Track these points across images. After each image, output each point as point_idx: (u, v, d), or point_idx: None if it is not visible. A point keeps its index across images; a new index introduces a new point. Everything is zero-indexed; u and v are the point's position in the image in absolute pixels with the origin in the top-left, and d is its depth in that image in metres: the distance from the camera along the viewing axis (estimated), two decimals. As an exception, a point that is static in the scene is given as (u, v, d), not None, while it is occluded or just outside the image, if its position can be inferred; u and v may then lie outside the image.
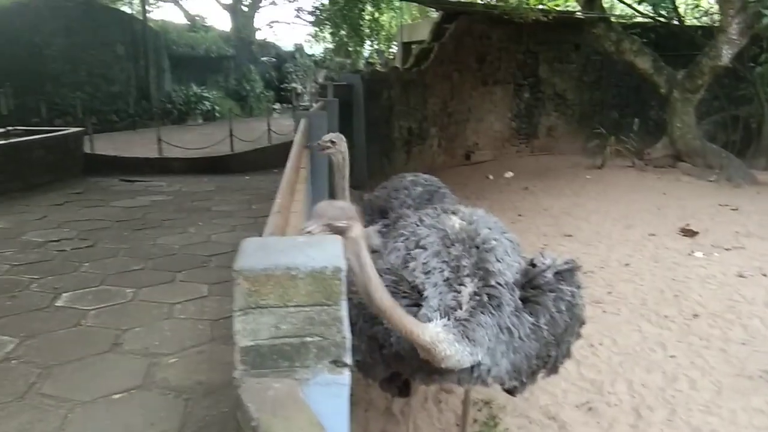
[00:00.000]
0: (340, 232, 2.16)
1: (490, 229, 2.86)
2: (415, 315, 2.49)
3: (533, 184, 11.49)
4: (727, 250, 7.18)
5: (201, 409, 3.10)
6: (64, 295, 4.58)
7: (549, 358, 2.83)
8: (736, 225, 8.23)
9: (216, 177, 10.56)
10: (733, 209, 9.11)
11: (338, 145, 3.82)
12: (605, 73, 15.03)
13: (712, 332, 5.05)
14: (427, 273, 2.62)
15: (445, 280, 2.57)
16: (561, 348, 2.86)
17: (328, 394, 1.85)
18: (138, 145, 13.05)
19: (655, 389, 4.24)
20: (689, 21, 15.16)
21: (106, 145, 12.16)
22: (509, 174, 12.51)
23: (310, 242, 1.93)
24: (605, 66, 14.82)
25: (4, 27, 14.95)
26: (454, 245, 2.70)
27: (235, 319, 1.75)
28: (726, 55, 11.43)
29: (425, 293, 2.56)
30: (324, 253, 1.84)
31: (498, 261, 2.68)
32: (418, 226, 2.90)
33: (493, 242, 2.75)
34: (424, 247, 2.72)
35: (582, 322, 3.01)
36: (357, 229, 2.21)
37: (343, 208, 2.26)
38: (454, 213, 2.98)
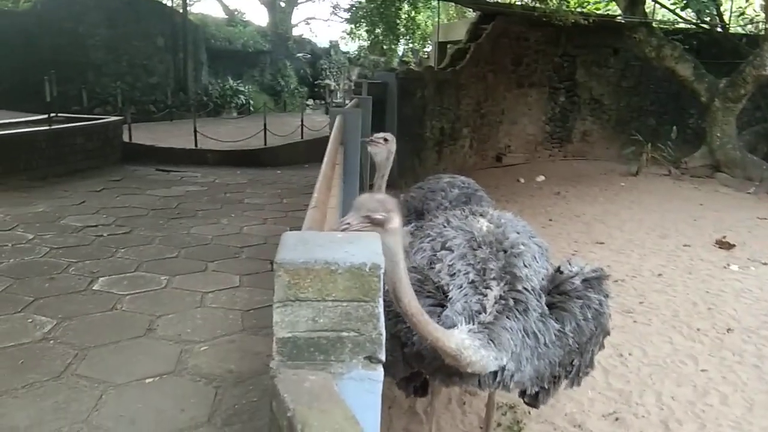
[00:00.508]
0: (379, 224, 2.14)
1: (518, 233, 2.84)
2: (439, 315, 2.49)
3: (565, 190, 11.35)
4: (764, 264, 6.99)
5: (231, 397, 3.15)
6: (101, 279, 4.70)
7: (572, 366, 2.79)
8: (774, 238, 8.02)
9: (249, 170, 10.70)
10: (772, 223, 8.88)
11: (389, 144, 3.85)
12: (644, 78, 14.76)
13: (745, 348, 4.93)
14: (452, 275, 2.61)
15: (470, 283, 2.56)
16: (584, 357, 2.82)
17: (362, 390, 1.87)
18: (174, 135, 13.29)
19: (684, 403, 4.16)
20: (733, 29, 14.80)
21: (143, 135, 12.43)
22: (541, 178, 12.39)
23: (349, 238, 1.95)
24: (644, 72, 14.55)
25: (50, 17, 15.38)
26: (481, 248, 2.68)
27: (274, 310, 1.78)
28: (771, 64, 11.13)
29: (450, 294, 2.55)
30: (363, 249, 1.85)
31: (525, 266, 2.66)
32: (445, 227, 2.89)
33: (522, 247, 2.73)
34: (450, 249, 2.71)
35: (607, 333, 2.96)
36: (395, 222, 2.16)
37: (383, 200, 2.21)
38: (482, 215, 2.96)
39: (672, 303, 5.89)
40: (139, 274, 4.89)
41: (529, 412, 4.07)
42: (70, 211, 6.88)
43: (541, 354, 2.56)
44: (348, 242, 1.91)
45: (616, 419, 4.00)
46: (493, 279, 2.57)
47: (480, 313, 2.49)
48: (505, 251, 2.68)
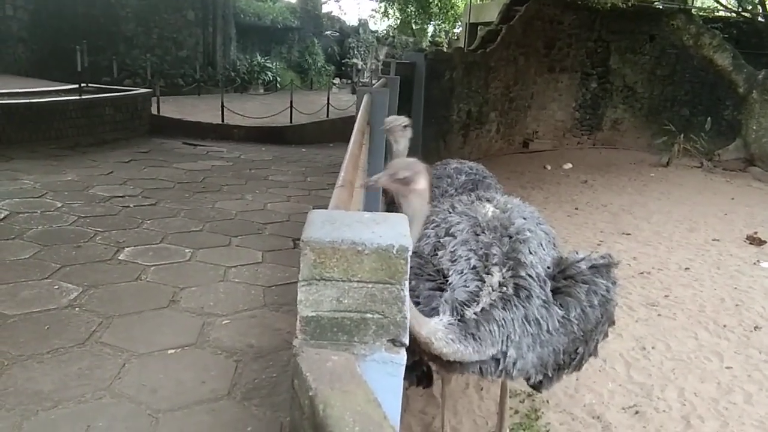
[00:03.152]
0: (406, 183, 2.15)
1: (525, 219, 2.76)
2: (439, 299, 2.44)
3: (593, 178, 11.17)
4: (797, 262, 6.82)
5: (251, 371, 3.17)
6: (127, 249, 4.76)
7: (576, 354, 2.73)
8: (808, 237, 7.79)
9: (274, 147, 10.71)
10: (806, 220, 8.63)
11: (407, 130, 3.73)
12: (679, 67, 14.37)
13: (774, 347, 4.83)
14: (454, 261, 2.54)
15: (472, 268, 2.49)
16: (588, 345, 2.76)
17: (384, 372, 1.85)
18: (202, 110, 13.36)
19: (707, 399, 4.09)
20: (776, 18, 14.29)
21: (171, 108, 12.50)
22: (568, 165, 12.20)
23: (376, 218, 1.91)
24: (680, 60, 14.17)
25: (83, -13, 15.48)
26: (485, 233, 2.61)
27: (300, 288, 1.76)
28: (814, 56, 10.75)
29: (450, 279, 2.49)
30: (391, 230, 1.82)
31: (531, 253, 2.58)
32: (449, 213, 2.82)
33: (528, 233, 2.65)
34: (453, 235, 2.64)
35: (612, 322, 2.88)
36: (421, 184, 2.17)
37: (412, 162, 2.23)
38: (488, 201, 2.90)
39: (698, 298, 5.78)
40: (164, 245, 4.93)
41: (548, 401, 4.05)
42: (98, 180, 6.97)
43: (543, 341, 2.50)
44: (375, 223, 1.88)
45: (636, 413, 3.95)
46: (495, 264, 2.50)
47: (468, 305, 2.41)
48: (510, 237, 2.61)
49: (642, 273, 6.38)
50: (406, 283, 1.81)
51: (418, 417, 4.03)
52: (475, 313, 2.40)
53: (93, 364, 3.10)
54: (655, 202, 9.51)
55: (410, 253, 1.79)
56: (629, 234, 7.79)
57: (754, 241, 7.46)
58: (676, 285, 6.09)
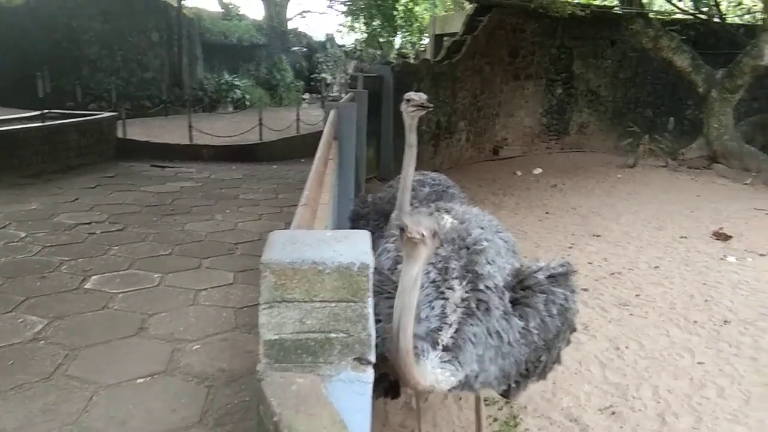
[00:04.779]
0: (420, 241, 2.06)
1: (482, 228, 2.77)
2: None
3: (562, 182, 11.32)
4: (761, 255, 6.97)
5: (223, 396, 3.12)
6: (93, 277, 4.66)
7: (539, 363, 2.74)
8: (772, 230, 8.00)
9: (244, 165, 10.64)
10: (768, 214, 8.86)
11: (420, 111, 3.55)
12: (641, 70, 14.71)
13: (742, 340, 4.91)
14: None
15: (431, 282, 2.48)
16: (551, 353, 2.77)
17: (351, 392, 1.84)
18: (169, 131, 13.22)
19: (681, 396, 4.14)
20: (730, 19, 14.73)
21: (138, 131, 12.35)
22: (538, 171, 12.35)
23: (338, 237, 1.91)
24: (641, 63, 14.50)
25: (44, 12, 15.26)
26: (443, 246, 2.59)
27: (261, 312, 1.75)
28: (768, 54, 11.09)
29: None
30: (352, 249, 1.82)
31: (488, 263, 2.58)
32: None
33: (485, 243, 2.66)
34: None
35: (574, 328, 2.90)
36: (428, 249, 2.09)
37: (432, 225, 2.13)
38: (447, 212, 2.90)
39: (668, 295, 5.87)
40: (132, 271, 4.85)
41: (525, 407, 4.05)
42: (63, 208, 6.83)
43: (505, 353, 2.50)
44: (336, 241, 1.88)
45: (613, 413, 3.98)
46: (455, 278, 2.49)
47: (441, 330, 2.38)
48: (468, 248, 2.61)
49: (613, 273, 6.47)
50: (370, 300, 1.80)
51: (397, 431, 4.01)
52: (451, 337, 2.38)
53: (59, 399, 3.02)
54: (623, 203, 9.68)
55: (372, 270, 1.79)
56: (599, 235, 7.90)
57: (720, 236, 7.62)
58: (646, 284, 6.18)
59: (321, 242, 1.86)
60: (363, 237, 1.92)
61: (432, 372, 2.31)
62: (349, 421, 1.70)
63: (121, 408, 2.97)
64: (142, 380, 3.23)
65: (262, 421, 1.74)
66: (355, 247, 1.83)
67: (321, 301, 1.76)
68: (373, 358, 1.84)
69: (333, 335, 1.79)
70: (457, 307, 2.43)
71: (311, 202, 2.55)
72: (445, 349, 2.36)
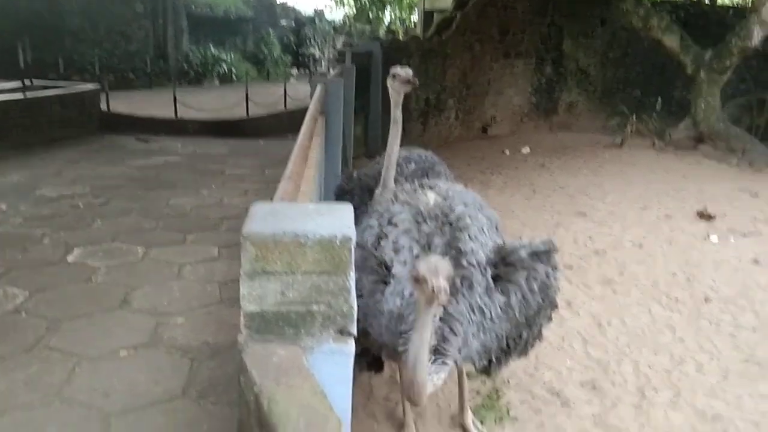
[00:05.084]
0: (437, 294, 2.04)
1: (465, 205, 2.77)
2: (382, 292, 2.43)
3: (550, 161, 11.33)
4: (743, 235, 7.05)
5: (206, 369, 3.13)
6: (76, 250, 4.62)
7: (520, 339, 2.77)
8: (754, 210, 8.07)
9: (230, 140, 10.53)
10: (753, 194, 8.94)
11: (407, 87, 3.46)
12: (630, 50, 14.65)
13: (722, 317, 4.99)
14: (396, 251, 2.54)
15: (415, 257, 2.49)
16: (532, 330, 2.81)
17: (332, 363, 1.84)
18: (154, 104, 13.02)
19: (661, 371, 4.21)
20: (720, 0, 14.69)
21: (122, 103, 12.14)
22: (526, 149, 12.34)
23: (321, 210, 1.89)
24: (631, 43, 14.44)
25: (24, -20, 14.87)
26: (427, 222, 2.61)
27: (242, 283, 1.73)
28: (757, 36, 11.07)
29: (393, 271, 2.48)
30: (334, 221, 1.80)
31: (471, 239, 2.59)
32: (392, 202, 2.80)
33: (468, 220, 2.66)
34: (395, 225, 2.63)
35: (555, 306, 2.92)
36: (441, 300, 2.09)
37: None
38: (431, 188, 2.89)
39: (652, 273, 5.92)
40: (116, 245, 4.80)
41: (508, 381, 4.10)
42: (45, 181, 6.74)
43: (487, 328, 2.52)
44: (319, 214, 1.86)
45: (593, 387, 4.03)
46: (439, 255, 2.47)
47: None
48: (451, 224, 2.62)
49: (597, 252, 6.51)
50: (352, 273, 1.80)
51: (383, 404, 4.04)
52: (440, 318, 2.40)
53: (41, 370, 3.01)
54: (610, 183, 9.71)
55: (354, 244, 1.78)
56: (585, 214, 7.93)
57: (704, 216, 7.68)
58: (630, 262, 6.23)
59: (303, 215, 1.84)
60: (346, 210, 1.91)
61: (431, 383, 2.34)
62: (330, 392, 1.70)
63: (104, 380, 2.97)
64: (125, 353, 3.22)
65: (243, 392, 1.74)
66: (338, 220, 1.81)
67: (303, 274, 1.75)
68: (354, 330, 1.83)
69: (314, 308, 1.79)
70: None
71: (295, 175, 2.53)
72: (435, 351, 2.37)
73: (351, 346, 1.84)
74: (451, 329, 2.40)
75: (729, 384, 4.06)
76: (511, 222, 7.25)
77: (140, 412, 2.75)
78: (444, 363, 2.38)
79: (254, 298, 1.74)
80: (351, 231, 1.75)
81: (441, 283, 1.99)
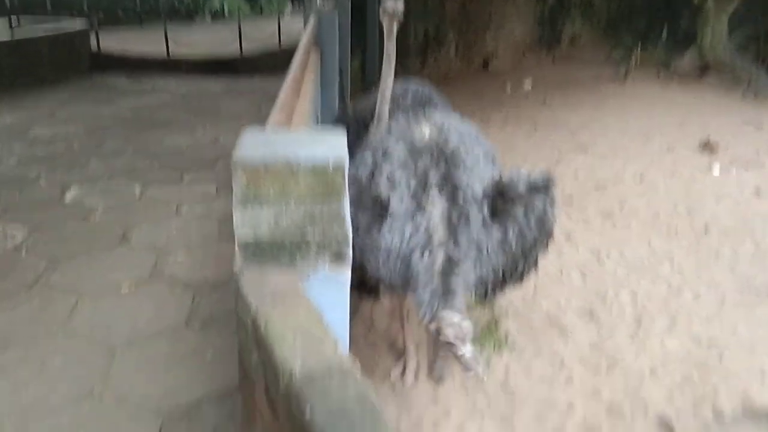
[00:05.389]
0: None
1: (461, 137, 2.70)
2: (379, 229, 2.40)
3: (552, 97, 11.11)
4: (746, 167, 6.97)
5: (208, 302, 3.15)
6: (72, 190, 4.59)
7: (516, 270, 2.77)
8: (758, 142, 7.97)
9: (224, 79, 10.30)
10: (757, 126, 8.81)
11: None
12: (637, -23, 14.13)
13: (721, 247, 5.00)
14: (392, 185, 2.49)
15: (412, 195, 2.45)
16: (528, 260, 2.80)
17: (329, 289, 1.84)
18: (144, 42, 12.66)
19: (658, 301, 4.25)
20: None
21: (112, 43, 11.81)
22: (528, 84, 12.09)
23: (312, 136, 1.85)
24: (637, -31, 13.92)
25: None
26: (422, 156, 2.55)
27: (235, 211, 1.71)
28: (767, -40, 10.65)
29: (391, 206, 2.43)
30: (327, 147, 1.76)
31: (467, 173, 2.55)
32: (386, 136, 2.74)
33: (462, 152, 2.61)
34: (390, 159, 2.57)
35: (551, 236, 2.89)
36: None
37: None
38: (426, 121, 2.81)
39: (652, 206, 5.90)
40: (112, 184, 4.77)
41: (507, 311, 4.15)
42: (38, 122, 6.64)
43: (483, 263, 2.51)
44: (312, 141, 1.82)
45: (591, 316, 4.09)
46: (435, 190, 2.47)
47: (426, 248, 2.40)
48: (446, 158, 2.56)
49: (598, 186, 6.47)
50: (346, 200, 1.77)
51: (383, 335, 4.11)
52: (443, 281, 2.37)
53: (43, 307, 3.04)
54: (612, 116, 9.56)
55: (347, 169, 1.74)
56: (586, 149, 7.83)
57: (707, 148, 7.59)
58: (631, 196, 6.20)
59: (295, 141, 1.80)
60: (339, 136, 1.86)
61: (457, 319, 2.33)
62: (328, 317, 1.71)
63: (106, 315, 3.00)
64: (126, 288, 3.25)
65: (240, 316, 1.74)
66: (331, 146, 1.77)
67: (296, 201, 1.72)
68: (350, 257, 1.82)
69: (309, 235, 1.77)
70: (440, 225, 2.41)
71: (286, 106, 2.46)
72: (444, 293, 2.36)
73: (347, 273, 1.84)
74: (455, 271, 2.39)
75: (725, 311, 4.11)
76: (512, 158, 7.18)
77: (144, 343, 2.79)
78: (452, 298, 2.37)
79: (248, 226, 1.72)
80: (344, 156, 1.71)
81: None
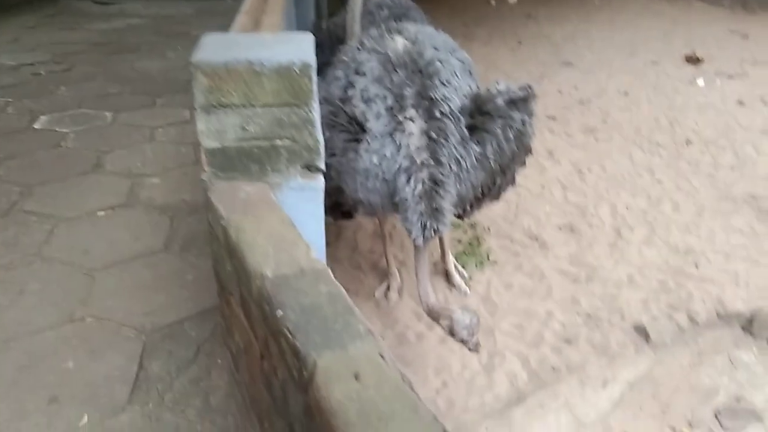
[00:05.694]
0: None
1: (436, 48, 2.59)
2: (356, 150, 2.32)
3: (536, 10, 10.79)
4: (730, 77, 6.91)
5: (186, 225, 3.13)
6: (42, 117, 4.45)
7: (494, 186, 2.74)
8: (743, 52, 7.85)
9: (195, 1, 9.85)
10: (743, 36, 8.65)
11: None
12: None
13: (702, 158, 5.01)
14: (367, 102, 2.38)
15: (388, 109, 2.36)
16: (506, 176, 2.77)
17: (302, 199, 1.82)
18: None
19: (637, 211, 4.29)
20: None
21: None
22: (512, -1, 11.70)
23: (278, 39, 1.76)
24: None
25: None
26: (397, 70, 2.44)
27: (198, 118, 1.65)
28: None
29: (367, 126, 2.34)
30: (292, 48, 1.68)
31: (443, 86, 2.46)
32: (358, 50, 2.60)
33: (438, 64, 2.51)
34: (363, 74, 2.46)
35: (529, 151, 2.86)
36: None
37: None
38: (399, 33, 2.67)
39: (635, 120, 5.86)
40: (83, 111, 4.62)
41: (488, 228, 4.18)
42: (3, 49, 6.35)
43: (463, 179, 2.48)
44: (276, 42, 1.73)
45: (571, 230, 4.13)
46: (412, 106, 2.38)
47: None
48: (422, 71, 2.46)
49: (582, 101, 6.39)
50: (315, 104, 1.71)
51: (368, 256, 4.13)
52: (427, 196, 2.36)
53: (19, 232, 3.00)
54: (598, 30, 9.33)
55: (315, 70, 1.67)
56: (571, 63, 7.69)
57: (692, 60, 7.48)
58: (614, 110, 6.13)
59: (259, 43, 1.71)
60: (305, 38, 1.77)
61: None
62: (303, 227, 1.69)
63: (83, 239, 2.97)
64: (102, 213, 3.20)
65: (211, 227, 1.72)
66: (296, 47, 1.69)
67: (262, 106, 1.66)
68: (322, 165, 1.78)
69: (278, 142, 1.72)
70: (420, 144, 2.35)
71: (252, 10, 2.34)
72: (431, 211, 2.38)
73: (320, 182, 1.80)
74: (441, 189, 2.38)
75: (703, 220, 4.16)
76: (495, 75, 7.03)
77: (123, 266, 2.78)
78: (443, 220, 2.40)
79: (213, 133, 1.66)
80: (310, 58, 1.63)
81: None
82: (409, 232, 2.39)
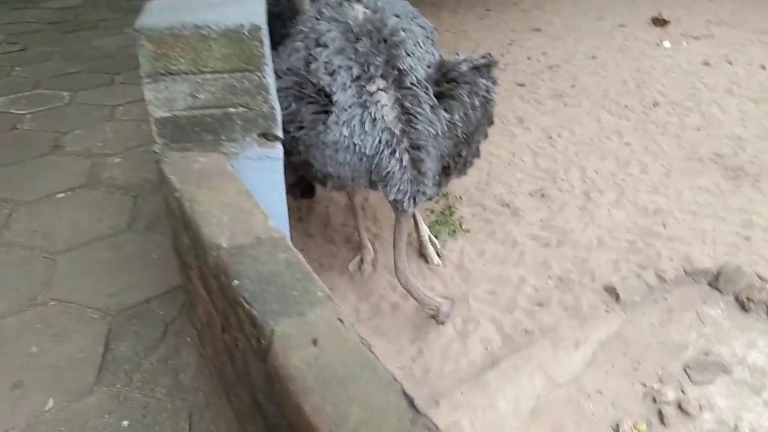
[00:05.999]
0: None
1: (398, 16, 2.55)
2: (324, 123, 2.25)
3: (504, -23, 10.71)
4: (696, 38, 6.96)
5: (150, 204, 3.05)
6: (-4, 99, 4.29)
7: (459, 157, 2.71)
8: (708, 13, 7.91)
9: (156, -25, 9.56)
10: (709, -2, 8.71)
11: None
12: None
13: (669, 119, 5.06)
14: (332, 74, 2.32)
15: (354, 79, 2.31)
16: (471, 147, 2.75)
17: (261, 169, 1.77)
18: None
19: (606, 174, 4.32)
20: None
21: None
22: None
23: (224, 1, 1.69)
24: None
25: None
26: (360, 40, 2.39)
27: (145, 86, 1.58)
28: None
29: (335, 98, 2.28)
30: (241, 11, 1.61)
31: (408, 55, 2.42)
32: (317, 20, 2.52)
33: (402, 33, 2.47)
34: (325, 45, 2.39)
35: (491, 122, 2.85)
36: None
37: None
38: (358, 1, 2.62)
39: (603, 83, 5.88)
40: (39, 91, 4.46)
41: (461, 197, 4.17)
42: (-49, 31, 6.08)
43: (438, 146, 2.47)
44: (224, 5, 1.66)
45: (542, 195, 4.15)
46: (382, 77, 2.34)
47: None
48: (386, 41, 2.42)
49: (551, 66, 6.38)
50: (268, 69, 1.65)
51: (340, 230, 4.11)
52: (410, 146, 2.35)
53: (-24, 218, 2.90)
54: (566, -5, 9.30)
55: (266, 34, 1.61)
56: (539, 29, 7.66)
57: (659, 22, 7.50)
58: (582, 74, 6.14)
59: (205, 6, 1.64)
60: (255, 0, 1.71)
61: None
62: (263, 198, 1.65)
63: (44, 221, 2.88)
64: (62, 195, 3.11)
65: (166, 200, 1.67)
66: (245, 9, 1.63)
67: (212, 72, 1.60)
68: (280, 133, 1.73)
69: (232, 110, 1.66)
70: (395, 116, 2.33)
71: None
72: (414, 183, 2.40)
73: (278, 150, 1.75)
74: (422, 156, 2.38)
75: (671, 180, 4.22)
76: (465, 43, 6.97)
77: (85, 248, 2.71)
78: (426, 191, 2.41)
79: (162, 102, 1.60)
80: (260, 20, 1.57)
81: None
82: (397, 202, 2.39)
